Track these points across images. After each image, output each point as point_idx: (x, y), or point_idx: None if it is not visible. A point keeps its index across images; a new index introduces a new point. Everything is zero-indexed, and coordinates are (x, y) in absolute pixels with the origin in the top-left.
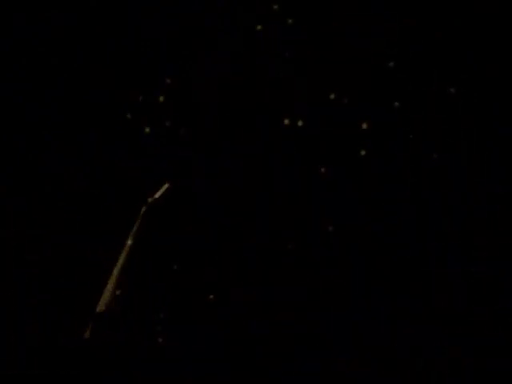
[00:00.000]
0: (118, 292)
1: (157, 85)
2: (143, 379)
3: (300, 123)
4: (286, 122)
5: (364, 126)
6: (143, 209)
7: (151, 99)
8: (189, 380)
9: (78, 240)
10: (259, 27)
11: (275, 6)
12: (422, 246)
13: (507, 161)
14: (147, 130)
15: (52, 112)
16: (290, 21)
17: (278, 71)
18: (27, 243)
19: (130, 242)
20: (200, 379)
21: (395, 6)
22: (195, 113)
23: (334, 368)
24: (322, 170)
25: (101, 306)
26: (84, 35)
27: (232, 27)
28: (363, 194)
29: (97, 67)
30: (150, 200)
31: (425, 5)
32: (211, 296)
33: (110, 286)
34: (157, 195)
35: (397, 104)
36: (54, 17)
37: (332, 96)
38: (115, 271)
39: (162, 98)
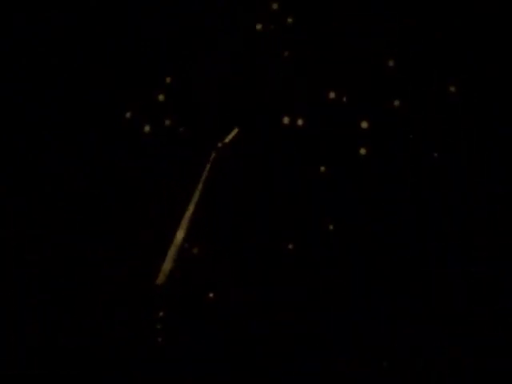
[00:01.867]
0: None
1: (156, 84)
2: (143, 379)
3: (300, 122)
4: (286, 121)
5: (364, 125)
6: (213, 154)
7: (151, 98)
8: (189, 380)
9: (77, 240)
10: (259, 27)
11: (275, 6)
12: (422, 246)
13: (507, 161)
14: (147, 128)
15: (52, 112)
16: (289, 20)
17: (278, 71)
18: (27, 243)
19: (196, 195)
20: (200, 379)
21: (395, 5)
22: (195, 112)
23: (334, 368)
24: (322, 169)
25: (161, 278)
26: (84, 35)
27: (232, 27)
28: (363, 194)
29: (97, 67)
30: (219, 145)
31: (425, 5)
32: (211, 295)
33: (170, 256)
34: (227, 140)
35: (396, 103)
36: (54, 17)
37: (332, 95)
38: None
39: (161, 97)
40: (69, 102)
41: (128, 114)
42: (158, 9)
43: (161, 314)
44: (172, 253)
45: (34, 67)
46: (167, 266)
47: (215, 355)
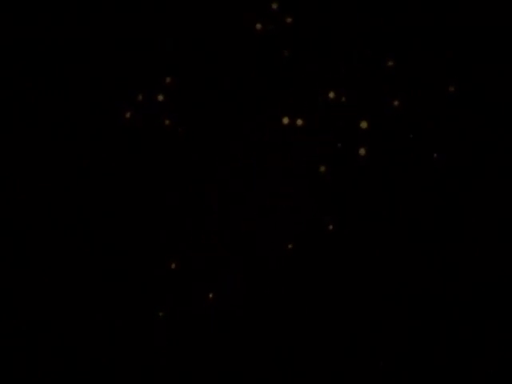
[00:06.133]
0: None
1: (156, 83)
2: (143, 379)
3: (299, 122)
4: (286, 121)
5: (363, 125)
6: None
7: (150, 98)
8: (188, 380)
9: (78, 240)
10: (259, 26)
11: (274, 5)
12: (422, 246)
13: (507, 161)
14: (146, 128)
15: (51, 112)
16: (289, 20)
17: (278, 70)
18: (27, 242)
19: None
20: (200, 379)
21: (395, 5)
22: (194, 112)
23: (333, 368)
24: (322, 169)
25: None
26: (83, 34)
27: (232, 27)
28: (363, 194)
29: (96, 66)
30: None
31: (425, 5)
32: (210, 295)
33: None
34: None
35: (396, 103)
36: (54, 16)
37: (331, 95)
38: None
39: (161, 97)
40: (68, 102)
41: (127, 115)
42: (158, 8)
43: (161, 313)
44: None
45: (34, 67)
46: None
47: (215, 355)
